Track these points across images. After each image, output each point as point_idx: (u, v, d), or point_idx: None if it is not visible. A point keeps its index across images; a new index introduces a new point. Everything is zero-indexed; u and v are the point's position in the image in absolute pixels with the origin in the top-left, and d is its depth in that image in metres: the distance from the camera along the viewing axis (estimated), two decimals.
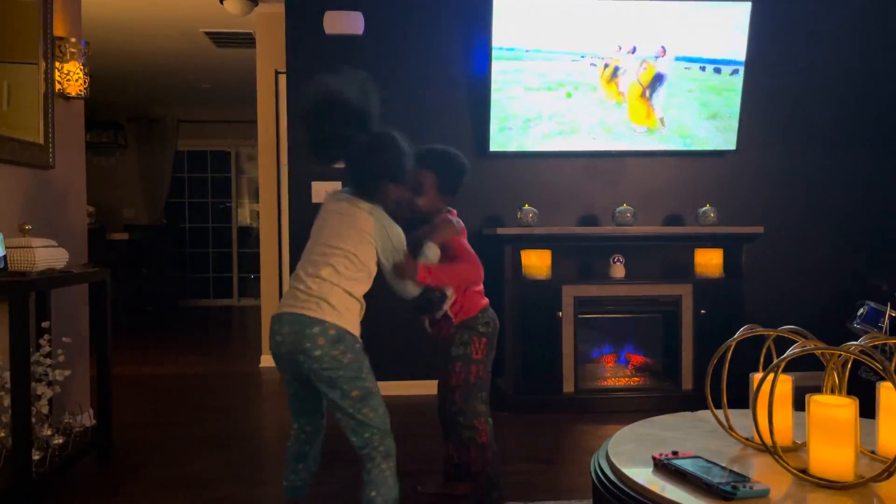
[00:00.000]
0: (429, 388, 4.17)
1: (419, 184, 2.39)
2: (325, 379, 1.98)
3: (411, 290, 2.17)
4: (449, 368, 2.44)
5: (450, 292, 2.41)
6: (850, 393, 1.42)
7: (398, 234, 2.13)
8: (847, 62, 4.46)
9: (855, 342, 1.44)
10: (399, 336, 4.15)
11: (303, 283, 2.03)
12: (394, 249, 2.10)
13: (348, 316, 2.02)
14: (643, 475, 1.42)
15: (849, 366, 1.48)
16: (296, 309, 1.99)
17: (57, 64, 3.13)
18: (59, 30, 3.17)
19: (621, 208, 4.13)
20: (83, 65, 3.22)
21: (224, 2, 4.71)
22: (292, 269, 4.26)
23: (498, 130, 4.11)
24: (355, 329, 2.04)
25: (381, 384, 2.09)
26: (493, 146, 4.13)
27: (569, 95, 4.10)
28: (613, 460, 1.51)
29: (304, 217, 4.23)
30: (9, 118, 2.82)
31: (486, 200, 4.28)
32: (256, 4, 4.80)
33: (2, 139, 2.71)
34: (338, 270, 2.02)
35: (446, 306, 2.41)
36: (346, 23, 4.14)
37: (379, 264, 2.10)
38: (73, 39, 3.19)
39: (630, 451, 1.57)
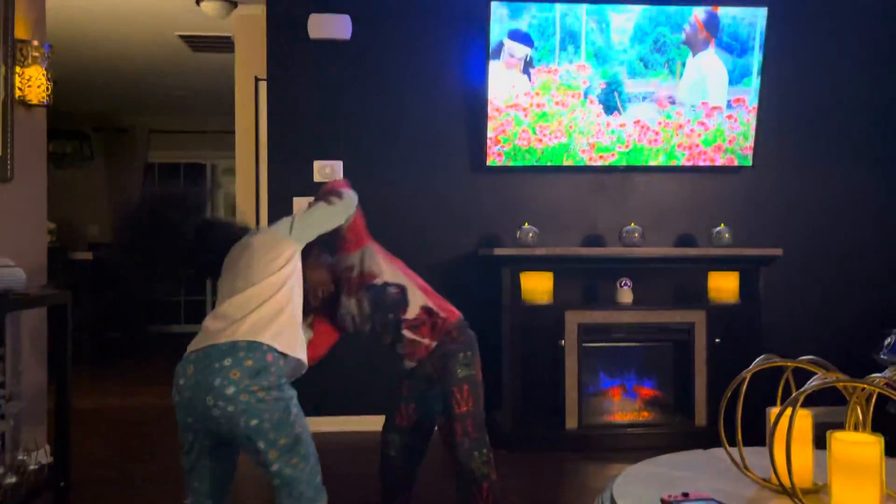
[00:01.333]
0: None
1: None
2: (242, 427, 1.79)
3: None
4: (455, 395, 2.34)
5: (409, 286, 2.37)
6: (875, 429, 1.42)
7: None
8: (870, 72, 4.52)
9: (880, 374, 1.45)
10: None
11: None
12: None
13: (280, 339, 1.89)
14: None
15: (873, 400, 1.48)
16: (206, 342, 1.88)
17: (18, 69, 3.14)
18: (20, 32, 3.18)
19: (629, 228, 4.14)
20: (46, 70, 3.23)
21: (201, 3, 4.74)
22: None
23: (495, 142, 4.13)
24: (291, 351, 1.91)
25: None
26: (490, 160, 4.15)
27: (577, 106, 4.13)
28: (619, 502, 1.50)
29: None
30: None
31: (483, 219, 4.30)
32: (235, 6, 4.83)
33: None
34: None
35: (411, 307, 2.36)
36: (332, 27, 4.17)
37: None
38: (35, 42, 3.20)
39: (637, 493, 1.56)
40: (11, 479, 2.67)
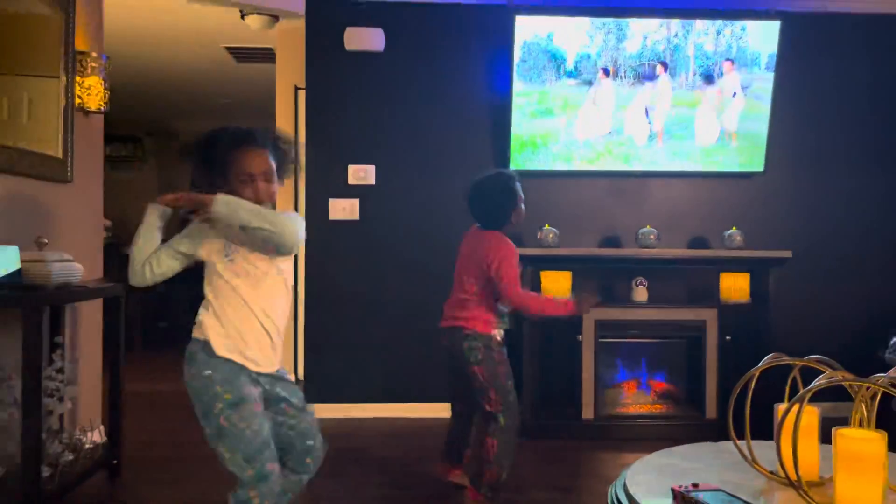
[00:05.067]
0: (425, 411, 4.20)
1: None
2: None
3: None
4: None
5: None
6: (879, 427, 1.39)
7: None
8: (879, 79, 4.42)
9: (885, 374, 1.42)
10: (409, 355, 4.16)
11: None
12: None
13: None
14: None
15: (878, 398, 1.45)
16: None
17: (78, 78, 3.20)
18: (80, 44, 3.24)
19: (644, 230, 4.11)
20: (104, 79, 3.28)
21: (245, 17, 4.78)
22: (308, 285, 4.30)
23: (518, 149, 4.12)
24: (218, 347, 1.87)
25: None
26: (514, 165, 4.14)
27: (590, 114, 4.10)
28: (631, 491, 1.49)
29: (321, 234, 4.26)
30: (28, 131, 2.88)
31: None
32: (277, 20, 4.87)
33: (21, 153, 2.77)
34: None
35: None
36: (366, 39, 4.19)
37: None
38: (94, 54, 3.26)
39: (649, 482, 1.55)
40: (68, 457, 2.73)
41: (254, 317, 1.89)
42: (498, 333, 2.75)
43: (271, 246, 1.85)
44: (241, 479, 1.84)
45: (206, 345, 1.87)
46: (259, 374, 1.91)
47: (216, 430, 1.84)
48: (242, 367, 1.88)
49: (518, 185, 2.79)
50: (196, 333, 1.90)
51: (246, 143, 1.92)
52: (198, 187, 1.92)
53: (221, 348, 1.87)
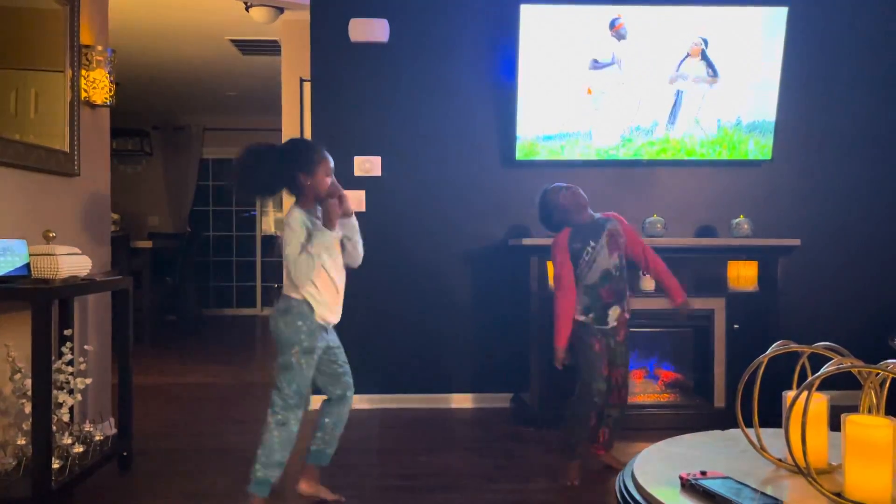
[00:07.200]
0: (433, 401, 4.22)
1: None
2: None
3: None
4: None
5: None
6: (888, 413, 1.39)
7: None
8: (889, 66, 4.39)
9: (894, 360, 1.41)
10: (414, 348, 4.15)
11: None
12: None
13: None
14: (669, 495, 1.40)
15: (887, 384, 1.45)
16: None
17: (83, 72, 3.20)
18: (85, 38, 3.24)
19: (651, 219, 4.09)
20: (109, 73, 3.28)
21: (250, 9, 4.78)
22: None
23: (524, 138, 4.10)
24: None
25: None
26: (520, 155, 4.12)
27: (595, 103, 4.08)
28: (639, 479, 1.49)
29: None
30: (35, 126, 2.88)
31: (512, 210, 4.27)
32: (282, 12, 4.86)
33: (28, 147, 2.77)
34: None
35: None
36: (371, 30, 4.17)
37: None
38: (99, 48, 3.25)
39: (657, 471, 1.55)
40: (79, 449, 2.74)
41: (333, 285, 2.57)
42: (586, 319, 3.03)
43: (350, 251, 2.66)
44: (284, 403, 2.53)
45: (306, 304, 2.50)
46: (328, 324, 2.61)
47: (287, 364, 2.50)
48: (321, 326, 2.56)
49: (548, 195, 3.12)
50: (293, 294, 2.51)
51: (323, 149, 2.68)
52: (282, 179, 2.60)
53: (316, 309, 2.53)
